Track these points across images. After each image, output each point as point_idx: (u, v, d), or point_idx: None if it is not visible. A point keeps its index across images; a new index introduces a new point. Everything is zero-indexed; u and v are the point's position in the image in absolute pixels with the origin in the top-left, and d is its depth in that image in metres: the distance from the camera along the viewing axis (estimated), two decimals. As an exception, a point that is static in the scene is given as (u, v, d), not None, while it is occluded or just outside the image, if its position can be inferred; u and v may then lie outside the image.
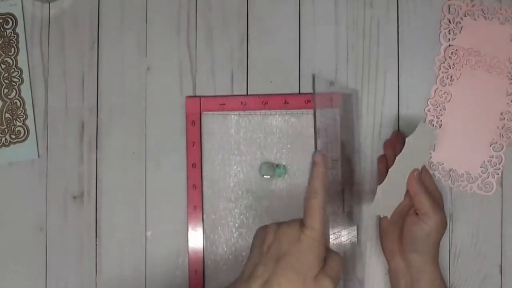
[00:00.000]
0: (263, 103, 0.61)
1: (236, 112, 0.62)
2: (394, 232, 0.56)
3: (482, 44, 0.60)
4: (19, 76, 0.64)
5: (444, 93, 0.60)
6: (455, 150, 0.60)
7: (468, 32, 0.60)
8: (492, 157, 0.60)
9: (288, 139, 0.61)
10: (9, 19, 0.64)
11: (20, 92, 0.64)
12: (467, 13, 0.60)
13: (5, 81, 0.64)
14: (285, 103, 0.61)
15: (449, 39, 0.61)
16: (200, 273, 0.61)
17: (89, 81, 0.64)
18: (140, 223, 0.62)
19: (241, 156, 0.62)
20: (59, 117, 0.63)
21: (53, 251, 0.62)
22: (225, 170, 0.62)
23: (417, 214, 0.53)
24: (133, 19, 0.64)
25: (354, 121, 0.61)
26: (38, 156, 0.63)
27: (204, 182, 0.61)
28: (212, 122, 0.62)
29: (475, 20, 0.60)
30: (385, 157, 0.59)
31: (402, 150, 0.53)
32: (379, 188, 0.53)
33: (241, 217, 0.61)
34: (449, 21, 0.61)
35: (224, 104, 0.62)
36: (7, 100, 0.64)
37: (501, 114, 0.60)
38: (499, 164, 0.60)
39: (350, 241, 0.59)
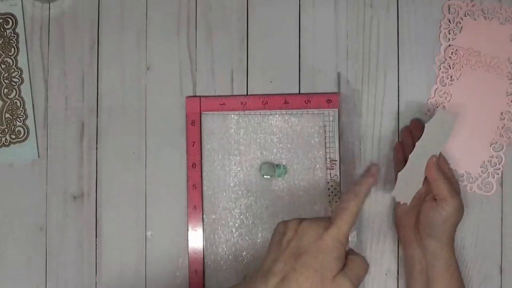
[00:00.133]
0: (263, 103, 0.61)
1: (236, 112, 0.62)
2: (410, 218, 0.56)
3: (482, 44, 0.60)
4: (19, 76, 0.64)
5: (444, 93, 0.60)
6: (455, 150, 0.60)
7: (468, 32, 0.60)
8: (492, 157, 0.60)
9: (288, 139, 0.61)
10: (9, 19, 0.64)
11: (20, 92, 0.64)
12: (467, 13, 0.60)
13: (5, 81, 0.64)
14: (285, 103, 0.61)
15: (449, 39, 0.61)
16: (200, 273, 0.61)
17: (89, 81, 0.64)
18: (140, 223, 0.62)
19: (241, 156, 0.62)
20: (59, 117, 0.63)
21: (53, 251, 0.62)
22: (225, 170, 0.62)
23: (435, 199, 0.53)
24: (133, 19, 0.64)
25: (354, 121, 0.61)
26: (38, 156, 0.63)
27: (204, 182, 0.61)
28: (212, 122, 0.62)
29: (475, 20, 0.60)
30: (402, 145, 0.59)
31: (421, 136, 0.53)
32: (400, 174, 0.53)
33: (241, 217, 0.61)
34: (449, 21, 0.61)
35: (224, 104, 0.62)
36: (7, 100, 0.64)
37: (501, 114, 0.60)
38: (499, 164, 0.60)
39: (351, 241, 0.59)
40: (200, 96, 0.62)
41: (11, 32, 0.64)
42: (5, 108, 0.63)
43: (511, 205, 0.60)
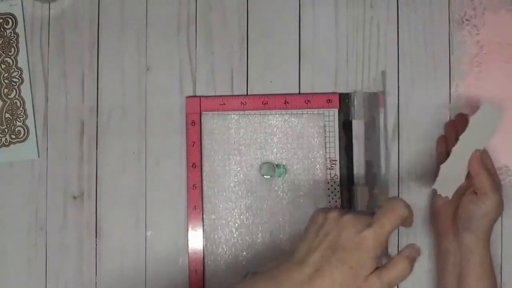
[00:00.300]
0: (263, 103, 0.61)
1: (236, 112, 0.62)
2: (448, 210, 0.56)
3: (510, 36, 0.60)
4: (19, 76, 0.64)
5: (476, 88, 0.60)
6: (494, 143, 0.59)
7: (492, 26, 0.60)
8: None
9: (288, 139, 0.61)
10: (9, 19, 0.64)
11: (20, 92, 0.64)
12: (486, 7, 0.60)
13: (5, 81, 0.64)
14: (285, 103, 0.61)
15: (474, 35, 0.61)
16: (200, 273, 0.61)
17: (89, 81, 0.64)
18: (140, 223, 0.62)
19: (241, 156, 0.62)
20: (59, 117, 0.63)
21: (53, 251, 0.62)
22: (225, 170, 0.62)
23: (475, 193, 0.53)
24: (133, 19, 0.64)
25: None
26: (38, 156, 0.63)
27: (204, 182, 0.61)
28: (212, 122, 0.62)
29: (497, 13, 0.60)
30: (445, 138, 0.59)
31: (466, 130, 0.53)
32: (442, 167, 0.53)
33: (241, 217, 0.61)
34: (471, 17, 0.61)
35: (224, 104, 0.62)
36: (7, 100, 0.64)
37: None
38: None
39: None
40: (200, 96, 0.62)
41: (11, 32, 0.64)
42: (5, 108, 0.63)
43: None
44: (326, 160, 0.61)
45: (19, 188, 0.63)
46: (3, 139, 0.63)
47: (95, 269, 0.62)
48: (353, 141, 0.61)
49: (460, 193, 0.55)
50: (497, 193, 0.52)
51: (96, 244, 0.62)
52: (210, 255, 0.61)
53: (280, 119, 0.62)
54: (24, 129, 0.63)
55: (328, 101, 0.61)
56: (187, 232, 0.61)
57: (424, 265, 0.60)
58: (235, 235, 0.61)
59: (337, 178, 0.61)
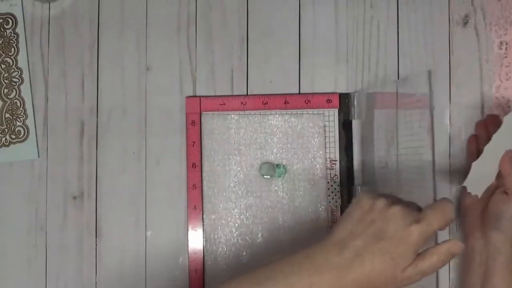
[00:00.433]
0: (263, 103, 0.61)
1: (236, 112, 0.62)
2: (477, 209, 0.56)
3: None
4: (19, 76, 0.64)
5: (505, 89, 0.60)
6: None
7: None
8: None
9: (288, 139, 0.61)
10: (9, 19, 0.64)
11: (20, 92, 0.64)
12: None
13: (5, 81, 0.64)
14: (285, 103, 0.61)
15: (500, 35, 0.60)
16: (200, 273, 0.61)
17: (89, 81, 0.64)
18: (140, 223, 0.62)
19: (241, 156, 0.62)
20: (59, 117, 0.63)
21: (53, 251, 0.62)
22: (225, 170, 0.62)
23: (506, 193, 0.53)
24: (133, 19, 0.64)
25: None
26: (38, 156, 0.63)
27: (204, 182, 0.61)
28: (212, 122, 0.62)
29: None
30: (476, 137, 0.59)
31: (500, 129, 0.53)
32: (474, 165, 0.53)
33: (241, 217, 0.61)
34: (498, 18, 0.60)
35: (224, 104, 0.62)
36: (7, 100, 0.64)
37: None
38: None
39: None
40: (200, 96, 0.62)
41: (11, 32, 0.64)
42: (5, 108, 0.63)
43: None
44: (326, 160, 0.61)
45: (19, 188, 0.63)
46: (3, 139, 0.63)
47: (95, 269, 0.62)
48: (353, 141, 0.61)
49: (490, 192, 0.55)
50: None
51: (96, 244, 0.62)
52: (210, 255, 0.61)
53: (280, 119, 0.62)
54: (24, 129, 0.63)
55: (328, 101, 0.61)
56: (187, 232, 0.61)
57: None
58: (235, 235, 0.61)
59: (337, 178, 0.61)
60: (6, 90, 0.64)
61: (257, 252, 0.61)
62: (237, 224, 0.61)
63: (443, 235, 0.54)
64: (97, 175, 0.63)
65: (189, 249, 0.61)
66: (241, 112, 0.62)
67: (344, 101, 0.61)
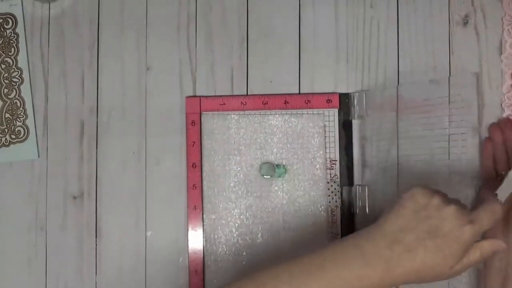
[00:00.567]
0: (263, 103, 0.61)
1: (236, 112, 0.62)
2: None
3: None
4: (19, 76, 0.64)
5: None
6: None
7: None
8: None
9: (288, 139, 0.61)
10: (9, 19, 0.64)
11: (20, 92, 0.64)
12: None
13: (5, 81, 0.64)
14: (285, 103, 0.61)
15: None
16: (200, 273, 0.61)
17: (89, 81, 0.64)
18: (140, 223, 0.62)
19: (241, 156, 0.62)
20: (59, 117, 0.63)
21: (53, 251, 0.62)
22: (225, 170, 0.61)
23: None
24: (133, 19, 0.64)
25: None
26: (38, 156, 0.63)
27: (204, 182, 0.61)
28: (212, 122, 0.62)
29: None
30: (491, 140, 0.58)
31: None
32: (510, 174, 0.53)
33: (241, 217, 0.61)
34: (511, 17, 0.60)
35: (224, 104, 0.62)
36: (7, 100, 0.64)
37: None
38: None
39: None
40: (200, 96, 0.62)
41: (11, 32, 0.64)
42: (5, 108, 0.63)
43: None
44: (326, 160, 0.61)
45: (19, 188, 0.63)
46: (3, 139, 0.63)
47: (95, 269, 0.62)
48: (353, 141, 0.61)
49: None
50: None
51: (96, 244, 0.62)
52: (210, 255, 0.61)
53: (280, 119, 0.62)
54: (24, 129, 0.63)
55: (328, 101, 0.61)
56: (187, 232, 0.61)
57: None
58: (235, 235, 0.61)
59: (337, 178, 0.61)
60: (6, 90, 0.64)
61: (257, 252, 0.61)
62: (237, 224, 0.61)
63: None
64: (97, 175, 0.63)
65: (189, 249, 0.61)
66: (241, 112, 0.62)
67: (344, 101, 0.61)
